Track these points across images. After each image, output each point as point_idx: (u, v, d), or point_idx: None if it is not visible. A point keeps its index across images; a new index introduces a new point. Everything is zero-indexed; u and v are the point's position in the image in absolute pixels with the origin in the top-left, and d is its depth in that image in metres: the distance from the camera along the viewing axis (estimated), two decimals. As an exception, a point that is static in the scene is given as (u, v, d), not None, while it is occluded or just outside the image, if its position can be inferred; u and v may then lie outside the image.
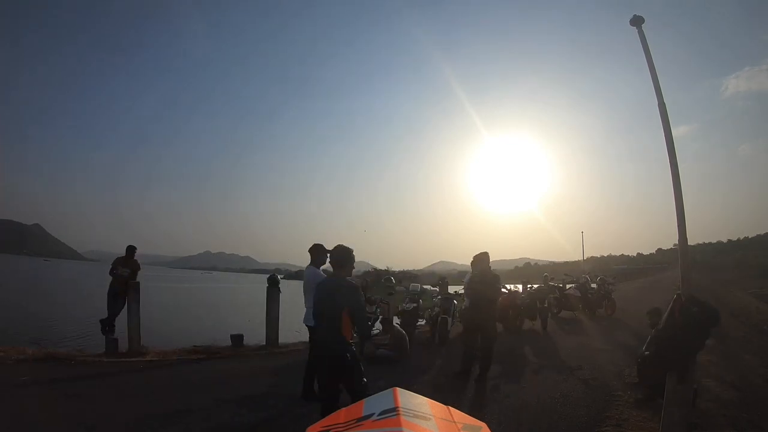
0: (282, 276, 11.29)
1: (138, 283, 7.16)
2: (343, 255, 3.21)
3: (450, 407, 1.09)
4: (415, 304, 8.62)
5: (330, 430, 0.97)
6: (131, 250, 7.56)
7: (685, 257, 3.64)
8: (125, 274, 7.22)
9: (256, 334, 8.18)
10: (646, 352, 4.72)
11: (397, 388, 1.09)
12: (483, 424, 1.06)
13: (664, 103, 3.88)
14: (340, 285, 3.11)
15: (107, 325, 7.06)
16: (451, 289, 9.75)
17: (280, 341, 7.72)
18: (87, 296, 16.72)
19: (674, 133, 3.80)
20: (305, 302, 4.50)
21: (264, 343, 7.58)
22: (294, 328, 7.89)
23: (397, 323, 8.12)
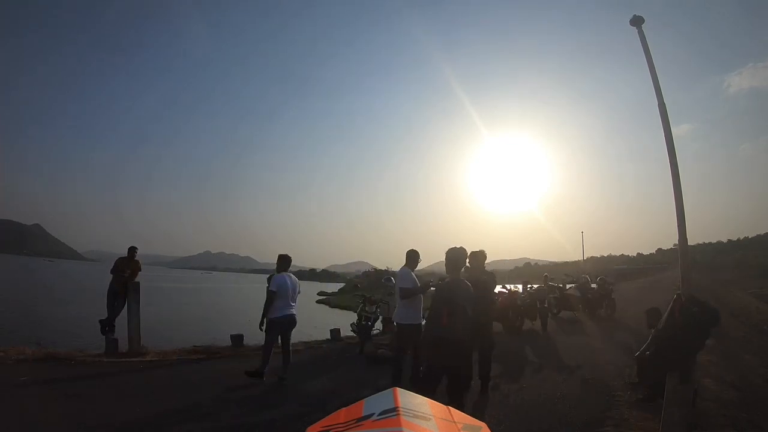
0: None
1: (138, 283, 7.15)
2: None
3: (450, 407, 1.09)
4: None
5: (330, 430, 0.97)
6: (133, 250, 7.56)
7: (685, 257, 3.65)
8: (126, 274, 7.21)
9: (256, 334, 8.17)
10: (647, 352, 4.72)
11: (397, 388, 1.09)
12: (483, 424, 1.06)
13: (664, 103, 3.89)
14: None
15: (107, 326, 7.05)
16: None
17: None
18: (87, 296, 16.74)
19: (675, 131, 3.80)
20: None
21: (264, 344, 7.55)
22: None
23: (397, 323, 8.09)
